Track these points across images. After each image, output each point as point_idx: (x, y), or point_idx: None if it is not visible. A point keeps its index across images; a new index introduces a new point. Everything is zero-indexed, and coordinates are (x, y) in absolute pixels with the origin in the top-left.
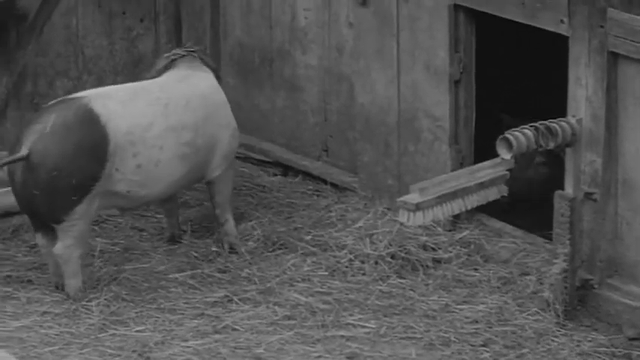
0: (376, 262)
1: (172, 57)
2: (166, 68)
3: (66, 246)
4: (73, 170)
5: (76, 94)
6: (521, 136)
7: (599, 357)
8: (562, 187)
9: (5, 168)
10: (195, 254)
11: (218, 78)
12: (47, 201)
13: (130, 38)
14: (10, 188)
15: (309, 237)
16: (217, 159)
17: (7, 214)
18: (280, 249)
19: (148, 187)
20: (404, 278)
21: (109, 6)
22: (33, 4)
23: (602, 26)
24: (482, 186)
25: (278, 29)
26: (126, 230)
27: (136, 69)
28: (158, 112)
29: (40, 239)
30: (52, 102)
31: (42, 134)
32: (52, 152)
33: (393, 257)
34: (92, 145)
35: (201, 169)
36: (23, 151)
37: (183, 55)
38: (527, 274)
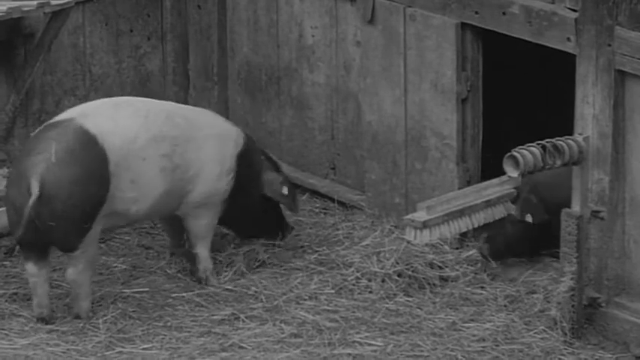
0: (383, 280)
1: None
2: None
3: (79, 271)
4: (85, 197)
5: (62, 116)
6: (528, 154)
7: None
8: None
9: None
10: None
11: None
12: (63, 231)
13: (137, 56)
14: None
15: (315, 256)
16: (196, 193)
17: None
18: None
19: (139, 203)
20: (411, 296)
21: (116, 24)
22: (40, 23)
23: (609, 44)
24: (489, 204)
25: (285, 47)
26: (133, 248)
27: (143, 87)
28: (140, 123)
29: (31, 268)
30: (42, 127)
31: (49, 165)
32: (63, 182)
33: (399, 275)
34: (96, 168)
35: (179, 195)
36: (35, 190)
37: None
38: (535, 293)
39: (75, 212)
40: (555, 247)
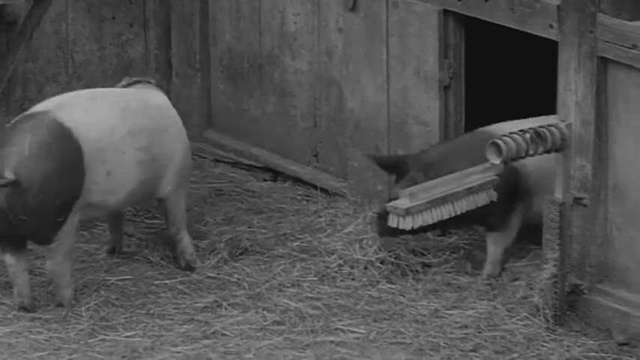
0: (365, 268)
1: (129, 83)
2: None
3: (57, 262)
4: (58, 191)
5: (38, 108)
6: (511, 141)
7: None
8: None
9: None
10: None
11: None
12: (35, 225)
13: (120, 43)
14: None
15: (297, 243)
16: (170, 175)
17: None
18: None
19: (115, 195)
20: (393, 283)
21: (98, 11)
22: (22, 10)
23: (592, 31)
24: (471, 191)
25: (267, 35)
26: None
27: (126, 74)
28: (118, 116)
29: (9, 259)
30: (17, 119)
31: (22, 158)
32: (36, 176)
33: (382, 262)
34: (70, 161)
35: (154, 182)
36: (9, 175)
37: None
38: (517, 280)
39: (47, 206)
40: (455, 227)
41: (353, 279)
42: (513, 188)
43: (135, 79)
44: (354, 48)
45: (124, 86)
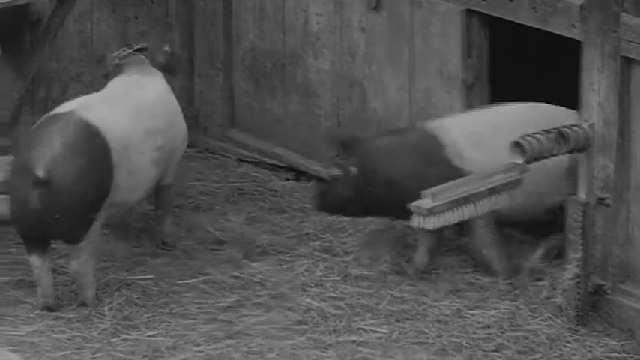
0: (389, 267)
1: (120, 60)
2: (116, 73)
3: (82, 261)
4: (89, 189)
5: (61, 109)
6: (534, 141)
7: None
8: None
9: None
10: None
11: (171, 72)
12: (68, 223)
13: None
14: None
15: (319, 242)
16: (173, 166)
17: None
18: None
19: (136, 193)
20: (415, 284)
21: (122, 11)
22: (47, 9)
23: (615, 31)
24: (494, 191)
25: (290, 34)
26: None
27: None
28: (134, 118)
29: (35, 259)
30: (42, 120)
31: (53, 157)
32: (68, 174)
33: (406, 261)
34: (99, 160)
35: (162, 175)
36: (41, 175)
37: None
38: (540, 280)
39: (80, 205)
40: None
41: (375, 279)
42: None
43: (130, 50)
44: (377, 48)
45: (123, 57)
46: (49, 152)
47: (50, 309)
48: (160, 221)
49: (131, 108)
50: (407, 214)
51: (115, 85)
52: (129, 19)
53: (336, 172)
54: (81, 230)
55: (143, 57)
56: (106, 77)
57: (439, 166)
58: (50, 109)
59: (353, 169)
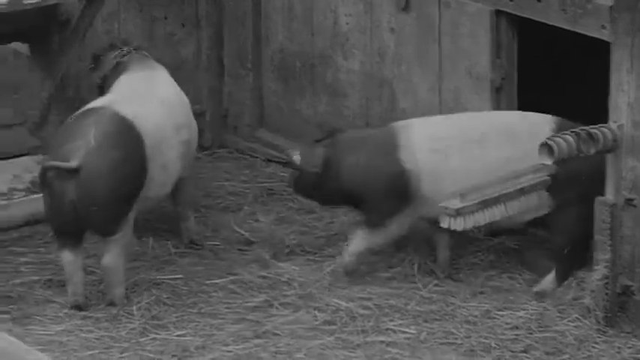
0: (418, 268)
1: (120, 59)
2: (118, 72)
3: (115, 255)
4: (125, 179)
5: (93, 104)
6: (563, 142)
7: None
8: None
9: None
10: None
11: None
12: (105, 215)
13: (172, 43)
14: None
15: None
16: (190, 159)
17: None
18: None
19: (165, 187)
20: (444, 284)
21: (150, 11)
22: (75, 9)
23: None
24: (523, 192)
25: (320, 35)
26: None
27: (177, 74)
28: (163, 112)
29: (67, 256)
30: (76, 114)
31: (89, 149)
32: (104, 164)
33: (434, 262)
34: (134, 152)
35: (183, 169)
36: (73, 163)
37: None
38: (568, 281)
39: (116, 195)
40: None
41: (404, 279)
42: (400, 189)
43: (127, 48)
44: (406, 48)
45: (122, 56)
46: (85, 144)
47: (79, 308)
48: (183, 218)
49: (157, 103)
50: (362, 207)
51: (128, 82)
52: (156, 19)
53: (297, 158)
54: (116, 221)
55: (145, 53)
56: (103, 80)
57: (390, 165)
58: (78, 109)
59: (317, 159)
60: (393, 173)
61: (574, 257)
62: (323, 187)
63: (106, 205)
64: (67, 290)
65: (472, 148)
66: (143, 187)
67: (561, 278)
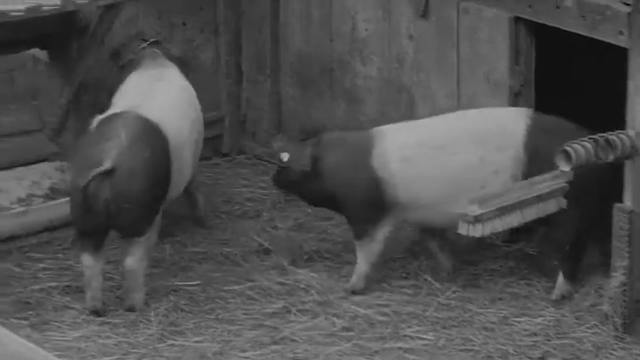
0: (434, 274)
1: (135, 54)
2: (131, 67)
3: (138, 258)
4: (157, 179)
5: (116, 109)
6: (581, 148)
7: None
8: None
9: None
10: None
11: (186, 66)
12: (137, 213)
13: (191, 49)
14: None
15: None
16: (198, 153)
17: (68, 224)
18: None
19: (179, 189)
20: (462, 290)
21: (169, 17)
22: (94, 16)
23: None
24: (541, 198)
25: (338, 40)
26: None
27: (195, 80)
28: (180, 114)
29: (87, 259)
30: (101, 119)
31: (121, 148)
32: (137, 163)
33: (452, 268)
34: (163, 153)
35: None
36: (107, 165)
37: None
38: (586, 288)
39: (148, 194)
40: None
41: (421, 285)
42: (375, 197)
43: (145, 43)
44: (425, 54)
45: (138, 51)
46: (117, 144)
47: (97, 313)
48: (193, 204)
49: (173, 103)
50: (345, 214)
51: (139, 80)
52: (175, 25)
53: (285, 156)
54: (146, 221)
55: (157, 50)
56: (121, 68)
57: (364, 172)
58: (97, 115)
59: (306, 158)
60: (367, 181)
61: (577, 254)
62: (311, 187)
63: (139, 203)
64: (85, 295)
65: (441, 154)
66: (169, 189)
67: (570, 277)
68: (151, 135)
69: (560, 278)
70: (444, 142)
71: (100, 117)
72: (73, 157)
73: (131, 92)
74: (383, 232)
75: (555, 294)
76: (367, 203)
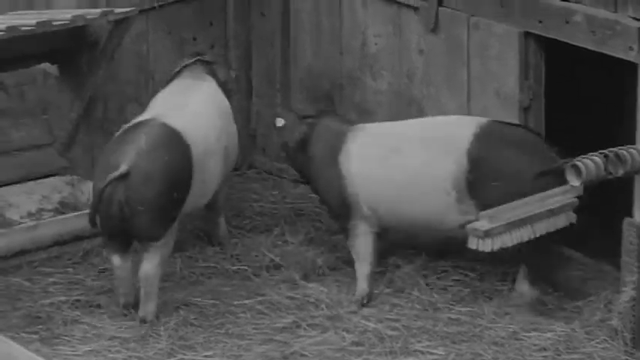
0: (444, 289)
1: (179, 67)
2: (171, 79)
3: (154, 265)
4: (174, 184)
5: (140, 118)
6: (591, 163)
7: None
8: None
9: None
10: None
11: (227, 92)
12: (152, 217)
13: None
14: (80, 212)
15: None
16: (228, 166)
17: (77, 238)
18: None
19: (205, 198)
20: (472, 305)
21: (179, 32)
22: (103, 31)
23: None
24: (551, 213)
25: (348, 55)
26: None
27: None
28: (207, 123)
29: (116, 260)
30: (124, 128)
31: (140, 151)
32: (155, 166)
33: (462, 284)
34: (184, 160)
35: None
36: (123, 168)
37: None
38: (595, 302)
39: (165, 198)
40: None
41: (431, 300)
42: (341, 194)
43: (190, 60)
44: (435, 69)
45: (184, 66)
46: (136, 148)
47: (130, 307)
48: (213, 223)
49: (200, 113)
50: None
51: (171, 91)
52: (185, 40)
53: (280, 122)
54: (162, 225)
55: (198, 64)
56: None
57: (333, 166)
58: (107, 130)
59: (296, 135)
60: (334, 176)
61: (540, 257)
62: (295, 163)
63: (154, 206)
64: (117, 293)
65: (392, 156)
66: (188, 195)
67: (532, 279)
68: (173, 141)
69: (521, 277)
70: (397, 145)
71: (125, 125)
72: (96, 163)
73: (160, 102)
74: (359, 229)
75: (524, 300)
76: (335, 198)
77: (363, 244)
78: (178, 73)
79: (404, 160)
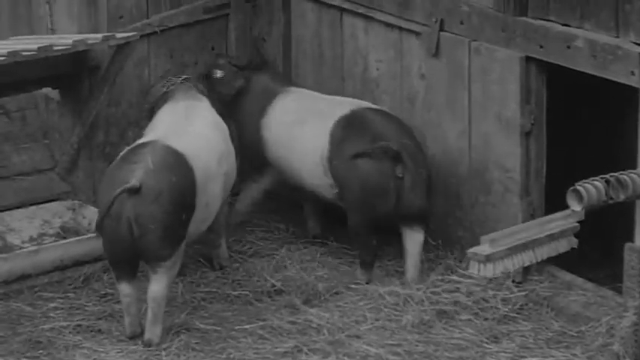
0: (446, 314)
1: (168, 88)
2: (164, 100)
3: (163, 287)
4: (182, 204)
5: (143, 140)
6: (592, 188)
7: None
8: None
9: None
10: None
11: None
12: (162, 236)
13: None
14: (81, 237)
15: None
16: (228, 189)
17: (79, 263)
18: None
19: (207, 222)
20: (474, 330)
21: (180, 57)
22: (106, 55)
23: None
24: (552, 237)
25: (350, 80)
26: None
27: None
28: (208, 147)
29: (125, 288)
30: (128, 149)
31: (147, 170)
32: (162, 185)
33: (465, 309)
34: (188, 182)
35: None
36: (134, 182)
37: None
38: (597, 327)
39: (173, 217)
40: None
41: (432, 325)
42: (256, 151)
43: (173, 80)
44: (436, 94)
45: (171, 85)
46: (144, 166)
47: (135, 338)
48: (215, 245)
49: (201, 136)
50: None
51: (169, 112)
52: (187, 64)
53: (218, 73)
54: (169, 246)
55: (189, 84)
56: (152, 109)
57: (255, 124)
58: (108, 155)
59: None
60: (253, 132)
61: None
62: (228, 112)
63: (163, 224)
64: (124, 321)
65: (293, 125)
66: (192, 216)
67: (364, 266)
68: (177, 162)
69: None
70: (298, 115)
71: (128, 147)
72: (100, 184)
73: (160, 124)
74: (264, 181)
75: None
76: (250, 151)
77: (257, 188)
78: (166, 95)
79: (302, 132)
